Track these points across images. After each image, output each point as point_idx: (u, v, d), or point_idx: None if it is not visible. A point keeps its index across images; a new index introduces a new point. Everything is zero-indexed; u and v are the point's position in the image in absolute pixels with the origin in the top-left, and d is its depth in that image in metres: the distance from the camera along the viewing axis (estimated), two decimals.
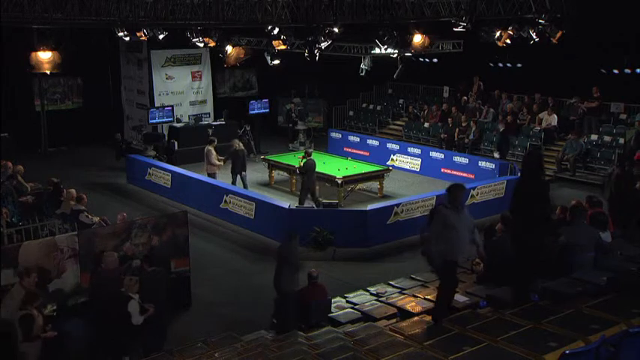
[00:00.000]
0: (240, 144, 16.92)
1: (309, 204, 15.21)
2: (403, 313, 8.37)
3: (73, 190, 12.81)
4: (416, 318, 7.83)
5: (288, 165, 17.28)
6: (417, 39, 14.31)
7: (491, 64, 21.93)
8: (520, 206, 6.75)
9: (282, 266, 9.39)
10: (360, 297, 9.76)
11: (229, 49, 16.47)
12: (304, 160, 15.62)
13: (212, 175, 16.40)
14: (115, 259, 9.26)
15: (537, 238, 6.61)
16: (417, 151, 19.64)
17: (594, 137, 18.57)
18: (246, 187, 16.44)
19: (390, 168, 17.58)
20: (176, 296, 10.18)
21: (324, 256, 12.75)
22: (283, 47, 14.74)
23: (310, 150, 16.45)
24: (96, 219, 12.06)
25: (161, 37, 15.49)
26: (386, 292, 9.75)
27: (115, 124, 22.19)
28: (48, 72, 16.01)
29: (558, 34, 15.29)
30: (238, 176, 16.53)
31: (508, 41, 15.62)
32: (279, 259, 9.53)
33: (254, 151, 20.37)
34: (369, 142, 21.06)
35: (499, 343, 5.20)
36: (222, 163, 16.53)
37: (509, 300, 6.46)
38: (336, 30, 13.50)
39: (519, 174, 7.23)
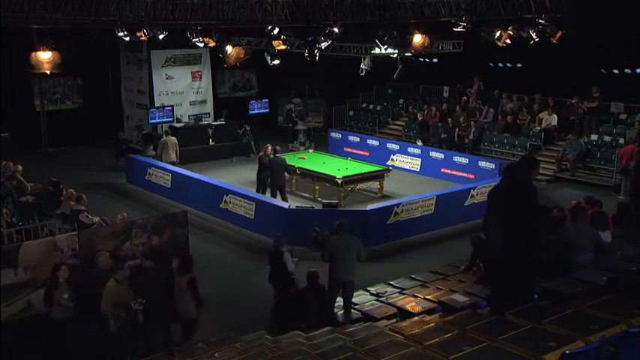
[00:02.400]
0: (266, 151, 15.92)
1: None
2: (403, 313, 8.38)
3: (72, 190, 12.82)
4: (416, 318, 7.84)
5: (287, 165, 17.24)
6: (417, 39, 14.31)
7: (492, 64, 21.93)
8: (505, 211, 6.63)
9: (341, 256, 9.37)
10: (360, 297, 9.77)
11: (229, 49, 16.46)
12: (272, 156, 15.55)
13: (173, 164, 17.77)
14: (108, 258, 9.27)
15: (529, 241, 6.55)
16: (417, 151, 19.64)
17: (594, 137, 18.56)
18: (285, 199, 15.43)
19: (390, 168, 17.59)
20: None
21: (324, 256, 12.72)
22: (283, 47, 14.73)
23: (278, 147, 16.03)
24: (96, 219, 12.07)
25: (161, 37, 15.48)
26: (386, 292, 9.77)
27: (115, 124, 22.19)
28: (48, 72, 16.00)
29: (558, 34, 15.28)
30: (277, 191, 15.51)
31: (508, 41, 15.61)
32: (336, 250, 9.48)
33: (254, 151, 20.38)
34: (369, 142, 21.07)
35: (499, 343, 5.20)
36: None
37: (507, 303, 6.42)
38: (336, 30, 13.49)
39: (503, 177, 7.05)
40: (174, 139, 18.45)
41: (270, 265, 10.18)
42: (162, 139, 18.49)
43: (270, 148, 15.96)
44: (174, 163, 17.78)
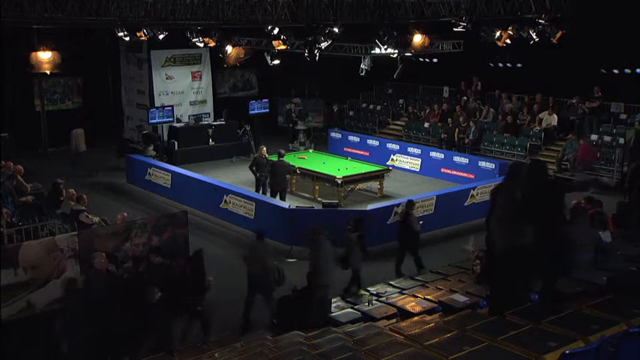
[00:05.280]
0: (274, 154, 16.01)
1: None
2: (403, 313, 8.37)
3: (73, 190, 12.82)
4: (416, 318, 7.83)
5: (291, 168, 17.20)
6: (417, 39, 14.32)
7: (492, 64, 21.92)
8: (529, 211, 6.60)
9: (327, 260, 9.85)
10: (360, 297, 9.76)
11: (229, 49, 16.46)
12: (275, 157, 15.52)
13: (81, 155, 19.64)
14: (104, 259, 9.25)
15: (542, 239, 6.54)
16: (417, 151, 19.64)
17: (594, 137, 18.56)
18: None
19: (390, 168, 17.59)
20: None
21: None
22: (283, 47, 14.75)
23: (282, 151, 16.00)
24: (96, 219, 12.06)
25: (161, 37, 15.51)
26: (386, 292, 9.76)
27: (115, 124, 22.19)
28: (48, 72, 16.03)
29: (558, 34, 15.28)
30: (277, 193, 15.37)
31: (508, 41, 15.62)
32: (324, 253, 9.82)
33: (254, 151, 20.36)
34: (369, 142, 21.07)
35: (499, 343, 5.20)
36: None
37: (506, 304, 6.40)
38: (336, 30, 13.49)
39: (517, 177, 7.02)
40: (81, 130, 19.89)
41: (400, 225, 11.86)
42: (72, 132, 19.63)
43: (264, 149, 15.99)
44: (82, 152, 19.68)
